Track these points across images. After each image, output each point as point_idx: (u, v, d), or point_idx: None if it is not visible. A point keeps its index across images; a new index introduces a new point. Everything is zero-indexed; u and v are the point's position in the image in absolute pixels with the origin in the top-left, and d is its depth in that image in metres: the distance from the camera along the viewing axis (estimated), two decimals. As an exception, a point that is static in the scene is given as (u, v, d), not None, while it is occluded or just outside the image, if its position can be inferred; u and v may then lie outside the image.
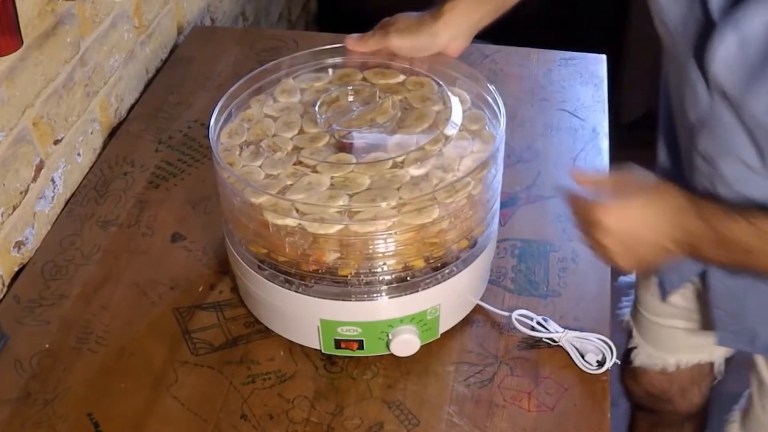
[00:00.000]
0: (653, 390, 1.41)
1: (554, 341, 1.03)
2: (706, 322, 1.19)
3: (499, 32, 1.18)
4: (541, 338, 1.03)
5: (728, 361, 1.35)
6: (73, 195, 1.27)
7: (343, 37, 1.15)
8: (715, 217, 0.86)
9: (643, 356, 1.36)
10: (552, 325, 1.03)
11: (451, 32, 1.13)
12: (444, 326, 1.04)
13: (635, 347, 1.37)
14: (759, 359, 1.18)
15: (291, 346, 1.04)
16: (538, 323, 1.04)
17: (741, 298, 1.08)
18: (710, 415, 1.49)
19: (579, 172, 1.02)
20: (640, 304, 1.34)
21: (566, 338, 1.02)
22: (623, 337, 1.39)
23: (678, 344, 1.32)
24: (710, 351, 1.31)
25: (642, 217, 0.90)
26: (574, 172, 1.00)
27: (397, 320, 0.99)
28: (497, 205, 1.05)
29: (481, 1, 1.14)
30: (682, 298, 1.24)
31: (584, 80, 1.47)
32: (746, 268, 0.91)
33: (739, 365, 1.29)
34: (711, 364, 1.34)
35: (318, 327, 1.00)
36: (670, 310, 1.27)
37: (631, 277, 1.38)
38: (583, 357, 1.01)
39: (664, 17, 0.92)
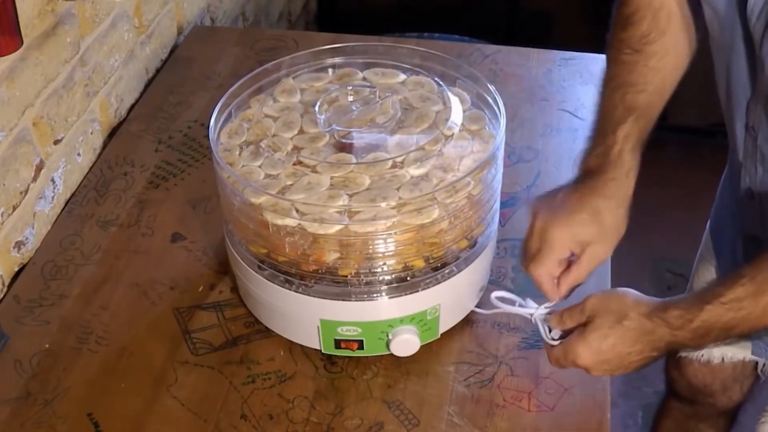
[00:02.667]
0: (696, 382, 1.41)
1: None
2: None
3: (499, 32, 1.17)
4: (518, 314, 1.00)
5: None
6: (73, 195, 1.27)
7: (343, 37, 1.15)
8: (683, 321, 0.87)
9: None
10: (529, 302, 0.99)
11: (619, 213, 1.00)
12: (444, 326, 1.04)
13: None
14: None
15: (291, 346, 1.04)
16: (520, 305, 0.99)
17: None
18: (743, 411, 1.49)
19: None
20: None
21: (538, 314, 0.97)
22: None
23: None
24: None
25: (615, 348, 0.90)
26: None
27: (397, 320, 0.99)
28: (497, 205, 1.05)
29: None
30: None
31: (584, 80, 1.47)
32: (738, 336, 0.91)
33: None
34: (755, 363, 1.34)
35: (318, 327, 1.00)
36: None
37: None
38: (551, 331, 0.97)
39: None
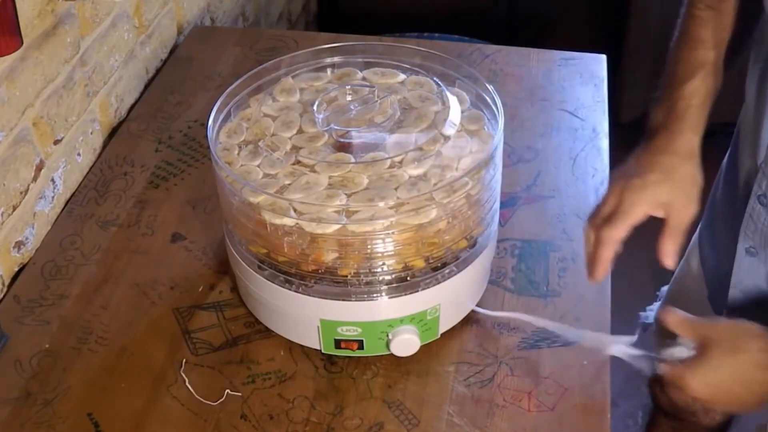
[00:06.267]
0: (678, 401, 1.40)
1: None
2: None
3: (499, 32, 1.17)
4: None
5: None
6: (73, 195, 1.27)
7: (343, 37, 1.14)
8: None
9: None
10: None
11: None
12: (444, 326, 1.04)
13: None
14: None
15: (291, 346, 1.04)
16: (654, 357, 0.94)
17: None
18: (732, 425, 1.49)
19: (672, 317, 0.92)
20: None
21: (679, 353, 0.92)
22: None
23: None
24: None
25: (728, 380, 0.87)
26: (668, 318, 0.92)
27: (397, 320, 0.99)
28: (497, 205, 1.05)
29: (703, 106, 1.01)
30: None
31: (584, 80, 1.47)
32: None
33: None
34: None
35: (318, 327, 1.00)
36: None
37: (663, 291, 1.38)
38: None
39: None
